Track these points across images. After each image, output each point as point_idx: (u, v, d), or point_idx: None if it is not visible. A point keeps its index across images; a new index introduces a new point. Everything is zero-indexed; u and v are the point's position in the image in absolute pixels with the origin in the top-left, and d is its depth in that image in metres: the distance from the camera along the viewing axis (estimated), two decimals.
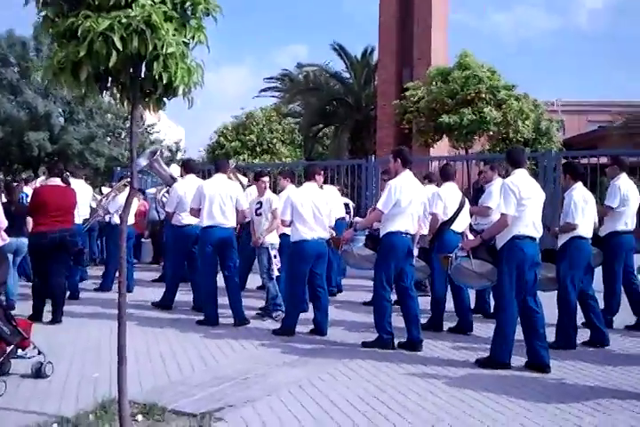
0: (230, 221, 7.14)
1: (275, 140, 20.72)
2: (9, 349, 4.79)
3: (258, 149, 20.27)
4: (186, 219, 7.67)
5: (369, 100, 25.64)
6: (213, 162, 11.60)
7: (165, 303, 8.01)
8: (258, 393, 4.60)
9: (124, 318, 3.93)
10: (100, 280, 9.65)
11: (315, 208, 6.55)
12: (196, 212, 7.13)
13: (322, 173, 9.13)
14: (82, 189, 9.01)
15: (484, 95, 15.28)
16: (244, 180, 9.76)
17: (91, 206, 9.87)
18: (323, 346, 6.12)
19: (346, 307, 8.25)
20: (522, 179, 5.37)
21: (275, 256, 7.28)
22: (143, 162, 8.15)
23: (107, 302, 8.21)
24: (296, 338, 6.42)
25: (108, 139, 23.09)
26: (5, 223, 6.38)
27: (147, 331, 6.73)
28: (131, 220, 9.53)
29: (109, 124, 22.95)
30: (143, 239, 12.91)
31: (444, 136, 16.76)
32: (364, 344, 6.05)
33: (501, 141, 15.90)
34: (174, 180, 8.26)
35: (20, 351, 4.97)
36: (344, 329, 6.86)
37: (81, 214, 9.02)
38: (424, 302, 6.81)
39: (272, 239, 7.38)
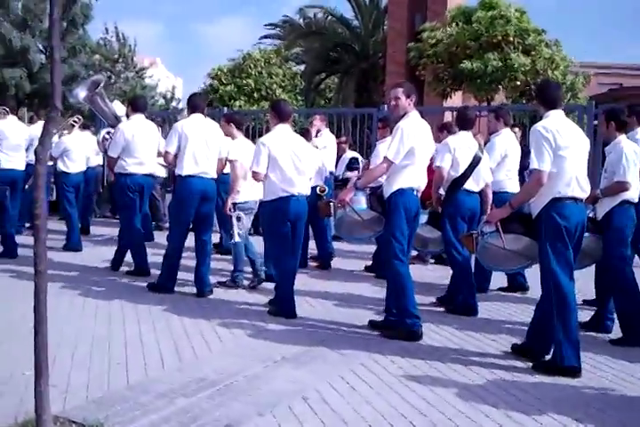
0: (213, 171, 5.94)
1: (274, 86, 18.88)
2: None
3: (255, 95, 18.48)
4: (132, 167, 6.50)
5: (377, 48, 23.76)
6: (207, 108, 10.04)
7: (116, 266, 6.83)
8: (245, 410, 3.28)
9: (43, 293, 2.70)
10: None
11: (294, 157, 5.24)
12: (172, 157, 5.81)
13: (320, 118, 7.88)
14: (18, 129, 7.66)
15: (511, 39, 13.54)
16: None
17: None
18: (329, 332, 4.81)
19: (344, 277, 6.96)
20: (558, 122, 4.06)
21: (238, 218, 5.92)
22: (82, 93, 7.01)
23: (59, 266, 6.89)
24: (297, 321, 5.10)
25: None
26: None
27: (100, 307, 5.39)
28: (81, 164, 8.23)
29: (95, 65, 21.16)
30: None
31: (462, 86, 15.11)
32: (384, 335, 4.73)
33: (527, 93, 14.25)
34: (118, 119, 7.03)
35: None
36: (352, 307, 5.57)
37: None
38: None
39: (237, 197, 6.05)
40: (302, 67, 25.84)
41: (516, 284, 6.24)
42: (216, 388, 3.58)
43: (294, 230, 5.28)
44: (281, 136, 5.30)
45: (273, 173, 5.18)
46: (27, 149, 7.69)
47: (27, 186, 8.34)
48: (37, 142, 2.73)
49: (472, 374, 3.97)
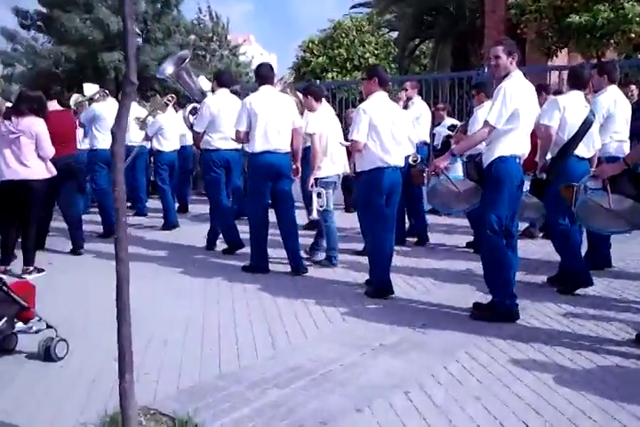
0: (287, 146, 5.67)
1: (367, 55, 18.30)
2: None
3: (348, 66, 17.98)
4: (217, 142, 6.35)
5: (474, 8, 22.46)
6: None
7: (211, 246, 6.79)
8: (342, 404, 3.04)
9: (125, 281, 2.55)
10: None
11: (392, 126, 4.89)
12: (244, 135, 5.58)
13: (411, 85, 7.61)
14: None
15: None
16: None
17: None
18: (430, 315, 4.46)
19: (444, 253, 6.55)
20: None
21: (318, 194, 5.64)
22: (169, 69, 6.86)
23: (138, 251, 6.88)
24: (395, 303, 4.80)
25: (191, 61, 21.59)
26: (52, 152, 5.75)
27: (195, 288, 5.31)
28: (175, 143, 8.22)
29: (189, 44, 21.42)
30: None
31: (569, 43, 13.93)
32: (479, 316, 4.34)
33: None
34: (204, 94, 6.83)
35: (20, 325, 3.65)
36: (454, 288, 5.19)
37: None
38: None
39: (319, 173, 5.78)
40: (395, 34, 24.96)
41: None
42: (311, 377, 3.37)
43: (388, 203, 4.96)
44: (380, 104, 4.96)
45: (372, 142, 4.86)
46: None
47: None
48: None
49: (589, 363, 3.53)
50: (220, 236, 6.75)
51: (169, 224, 8.12)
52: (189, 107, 7.20)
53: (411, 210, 7.03)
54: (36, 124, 5.63)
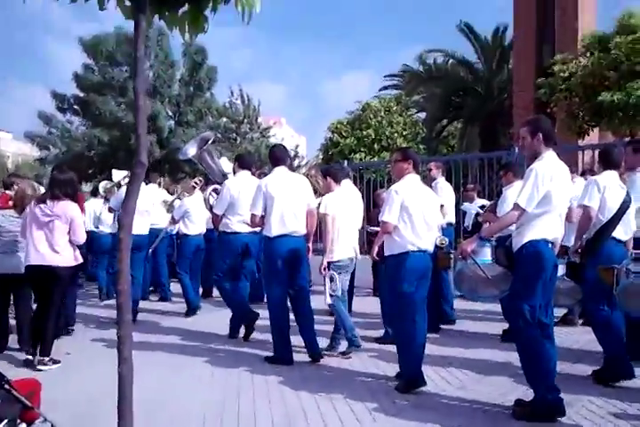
0: (302, 229, 5.52)
1: (395, 135, 18.39)
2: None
3: (376, 146, 18.08)
4: (236, 225, 6.24)
5: (502, 88, 22.76)
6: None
7: (233, 333, 6.49)
8: None
9: (128, 385, 2.29)
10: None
11: (424, 209, 4.72)
12: (260, 219, 5.46)
13: (435, 166, 7.55)
14: (152, 196, 7.91)
15: None
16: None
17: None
18: (469, 416, 4.03)
19: (479, 341, 6.11)
20: None
21: (331, 279, 5.46)
22: (192, 151, 6.78)
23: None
24: (429, 400, 4.41)
25: (221, 143, 22.09)
26: (84, 238, 5.68)
27: (207, 380, 4.97)
28: (201, 226, 8.08)
29: (221, 127, 21.94)
30: None
31: (601, 122, 13.82)
32: (517, 415, 3.94)
33: None
34: (225, 176, 6.73)
35: (23, 426, 3.35)
36: (492, 382, 4.74)
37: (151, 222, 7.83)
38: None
39: (332, 256, 5.56)
40: (424, 115, 25.32)
41: None
42: None
43: (419, 288, 4.65)
44: (413, 186, 4.80)
45: (403, 225, 4.65)
46: None
47: (150, 250, 8.43)
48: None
49: None
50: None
51: (189, 312, 7.90)
52: (210, 188, 7.12)
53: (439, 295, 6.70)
54: (71, 209, 5.51)
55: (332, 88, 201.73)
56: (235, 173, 6.57)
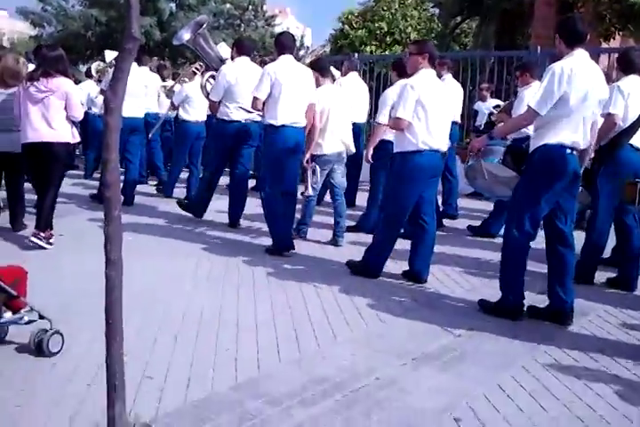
0: (304, 120, 5.36)
1: (409, 29, 17.40)
2: None
3: (388, 40, 17.12)
4: (235, 113, 5.97)
5: None
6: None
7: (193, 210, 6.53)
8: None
9: (117, 289, 2.06)
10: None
11: (440, 107, 4.47)
12: (261, 104, 5.21)
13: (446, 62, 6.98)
14: (144, 78, 7.72)
15: None
16: (337, 73, 7.60)
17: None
18: (478, 318, 3.89)
19: (484, 244, 5.93)
20: None
21: (313, 171, 5.51)
22: (186, 35, 6.46)
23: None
24: (440, 301, 4.23)
25: (224, 30, 20.92)
26: (82, 114, 5.63)
27: (204, 275, 4.76)
28: (201, 113, 7.71)
29: (223, 12, 20.70)
30: None
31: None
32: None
33: None
34: (223, 62, 6.39)
35: (9, 315, 3.16)
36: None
37: (145, 106, 7.76)
38: None
39: (319, 150, 5.59)
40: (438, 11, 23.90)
41: None
42: (342, 394, 2.84)
43: (427, 188, 4.60)
44: (429, 82, 4.49)
45: (417, 122, 4.38)
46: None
47: (149, 135, 8.36)
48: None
49: None
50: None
51: (166, 193, 7.96)
52: (207, 75, 6.74)
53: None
54: (66, 84, 5.32)
55: None
56: (232, 58, 6.20)
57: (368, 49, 16.78)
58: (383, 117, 5.46)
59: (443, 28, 20.78)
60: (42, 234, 5.21)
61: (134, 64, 7.34)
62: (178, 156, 7.97)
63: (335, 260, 5.20)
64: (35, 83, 5.23)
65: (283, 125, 5.17)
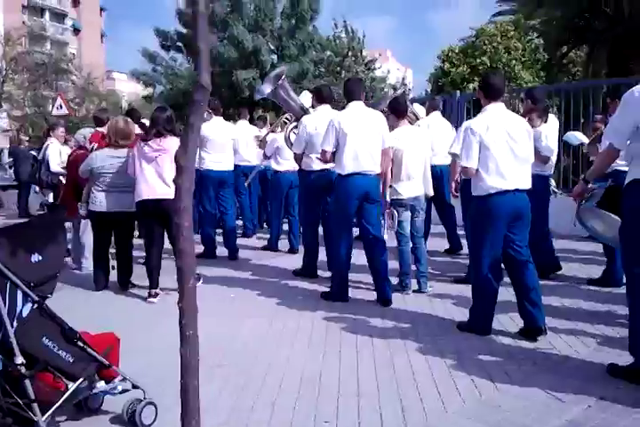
0: (376, 167, 5.22)
1: (513, 62, 16.82)
2: (74, 385, 2.87)
3: None
4: (317, 163, 5.81)
5: (634, 8, 20.21)
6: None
7: (308, 272, 6.28)
8: None
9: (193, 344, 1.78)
10: None
11: (511, 145, 4.16)
12: (331, 155, 5.21)
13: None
14: (232, 131, 7.85)
15: None
16: (422, 112, 7.37)
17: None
18: (607, 388, 3.38)
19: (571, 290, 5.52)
20: None
21: (392, 216, 5.42)
22: (267, 89, 6.47)
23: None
24: (562, 363, 3.76)
25: (325, 77, 21.26)
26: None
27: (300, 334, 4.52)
28: (293, 164, 7.56)
29: (324, 60, 21.05)
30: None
31: None
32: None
33: None
34: (305, 112, 6.31)
35: (101, 384, 3.06)
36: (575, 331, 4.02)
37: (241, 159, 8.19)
38: None
39: (394, 193, 5.47)
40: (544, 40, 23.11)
41: None
42: None
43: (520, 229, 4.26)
44: (493, 117, 4.22)
45: (483, 165, 4.15)
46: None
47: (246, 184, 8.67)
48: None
49: None
50: None
51: (271, 247, 7.89)
52: (291, 126, 6.70)
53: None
54: (176, 143, 5.46)
55: (440, 18, 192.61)
56: (314, 107, 6.14)
57: (471, 86, 16.38)
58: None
59: (549, 58, 19.99)
60: (157, 290, 5.53)
61: (219, 118, 7.64)
62: (273, 207, 7.95)
63: (427, 312, 4.93)
64: (149, 142, 5.51)
65: (349, 174, 5.11)
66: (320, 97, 6.04)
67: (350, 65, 24.56)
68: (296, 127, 6.36)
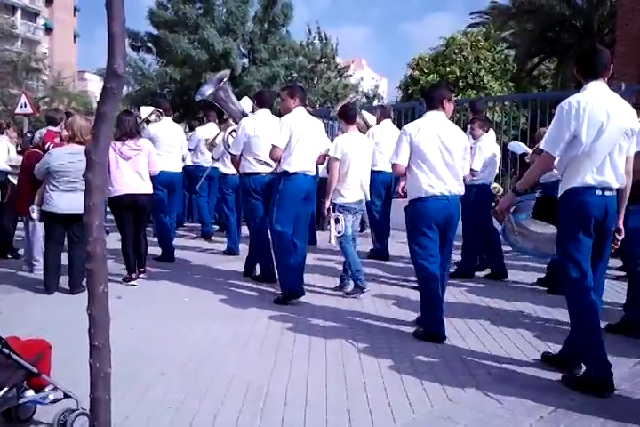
0: (314, 168, 5.61)
1: (482, 72, 16.89)
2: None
3: (460, 84, 16.64)
4: (257, 166, 5.86)
5: (603, 23, 20.60)
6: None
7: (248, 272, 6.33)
8: None
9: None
10: None
11: (444, 150, 4.31)
12: (281, 152, 5.30)
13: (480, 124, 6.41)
14: (181, 133, 8.12)
15: None
16: (372, 119, 7.69)
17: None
18: (565, 400, 3.30)
19: (512, 291, 5.60)
20: None
21: (336, 220, 5.45)
22: (208, 90, 6.53)
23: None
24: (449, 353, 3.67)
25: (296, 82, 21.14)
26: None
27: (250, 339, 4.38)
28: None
29: (296, 65, 20.91)
30: None
31: None
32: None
33: None
34: (245, 115, 6.40)
35: (30, 394, 2.88)
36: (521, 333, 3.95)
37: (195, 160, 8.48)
38: None
39: (340, 198, 5.55)
40: (514, 52, 23.40)
41: None
42: None
43: (444, 238, 4.36)
44: (429, 123, 4.39)
45: (417, 167, 4.32)
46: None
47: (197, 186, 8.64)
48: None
49: None
50: None
51: (230, 251, 7.71)
52: (229, 129, 6.69)
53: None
54: (148, 143, 6.23)
55: (415, 30, 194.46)
56: (253, 111, 6.27)
57: None
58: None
59: (518, 69, 20.16)
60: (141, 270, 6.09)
61: (168, 119, 7.62)
62: (227, 210, 7.80)
63: (385, 316, 4.87)
64: (126, 142, 5.94)
65: (295, 173, 5.28)
66: (260, 101, 6.11)
67: (323, 70, 24.50)
68: (235, 131, 6.31)
